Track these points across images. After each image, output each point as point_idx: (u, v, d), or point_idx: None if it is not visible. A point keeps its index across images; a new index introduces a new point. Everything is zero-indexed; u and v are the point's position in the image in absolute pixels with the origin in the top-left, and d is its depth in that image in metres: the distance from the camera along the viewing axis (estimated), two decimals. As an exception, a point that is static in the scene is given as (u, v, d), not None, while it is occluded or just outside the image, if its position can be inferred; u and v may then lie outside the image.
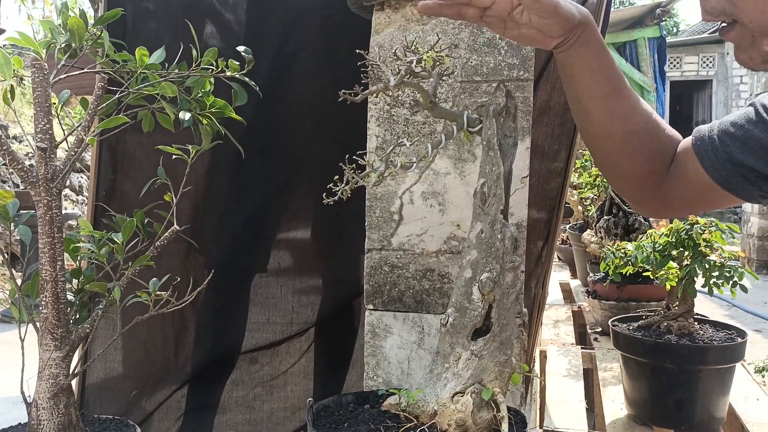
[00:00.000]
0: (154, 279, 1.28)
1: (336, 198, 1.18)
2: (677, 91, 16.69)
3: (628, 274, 1.96)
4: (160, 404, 2.05)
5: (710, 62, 15.94)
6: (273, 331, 2.09)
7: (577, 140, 1.98)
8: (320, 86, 1.97)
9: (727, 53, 15.11)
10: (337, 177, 1.18)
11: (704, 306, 4.85)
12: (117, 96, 1.35)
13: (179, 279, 1.34)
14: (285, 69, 1.96)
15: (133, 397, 2.04)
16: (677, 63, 16.19)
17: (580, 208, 3.72)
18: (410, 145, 1.30)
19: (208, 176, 1.99)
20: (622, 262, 1.87)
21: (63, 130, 1.33)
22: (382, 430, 1.08)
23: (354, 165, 1.18)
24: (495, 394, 1.07)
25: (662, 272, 1.71)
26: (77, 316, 1.33)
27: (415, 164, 1.16)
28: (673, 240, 1.63)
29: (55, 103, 1.33)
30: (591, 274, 2.82)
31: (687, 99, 17.92)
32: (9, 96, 1.31)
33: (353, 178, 1.17)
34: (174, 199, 1.37)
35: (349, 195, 1.17)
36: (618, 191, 1.12)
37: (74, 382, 1.30)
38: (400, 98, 1.56)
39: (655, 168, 1.00)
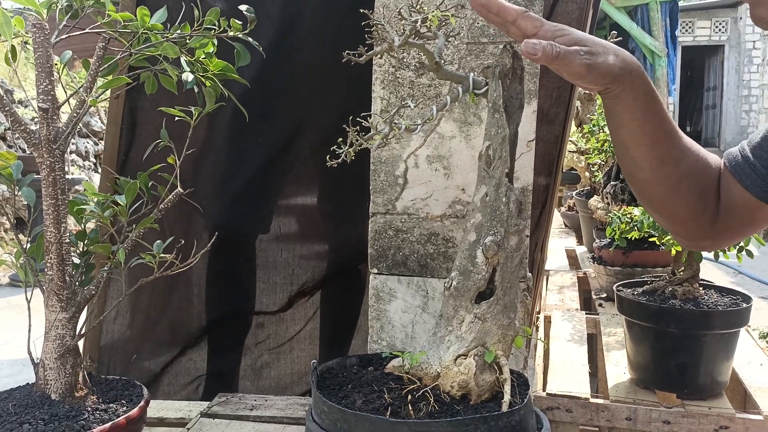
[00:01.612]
0: (158, 241, 1.28)
1: (340, 160, 1.17)
2: (689, 57, 16.45)
3: (633, 239, 1.95)
4: (166, 367, 2.07)
5: (723, 27, 15.68)
6: (275, 296, 2.10)
7: (573, 103, 1.96)
8: (321, 47, 1.95)
9: (740, 18, 14.84)
10: (340, 139, 1.17)
11: (710, 273, 4.84)
12: (118, 57, 1.34)
13: (183, 242, 1.34)
14: (287, 30, 1.94)
15: (134, 360, 2.06)
16: (689, 27, 15.94)
17: (587, 174, 3.69)
18: (415, 107, 1.29)
19: (210, 139, 1.98)
20: (628, 227, 1.86)
21: (65, 92, 1.33)
22: (385, 391, 1.09)
23: (358, 127, 1.17)
24: (498, 356, 1.08)
25: (668, 237, 1.70)
26: (83, 278, 1.34)
27: (419, 127, 1.15)
28: (680, 205, 1.61)
29: (57, 65, 1.32)
30: (597, 240, 2.82)
31: (699, 64, 17.67)
32: (10, 57, 1.30)
33: (357, 140, 1.16)
34: (177, 161, 1.37)
35: (353, 157, 1.17)
36: (674, 234, 1.08)
37: (81, 343, 1.31)
38: (405, 60, 1.54)
39: (708, 204, 0.97)
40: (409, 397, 1.04)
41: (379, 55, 1.18)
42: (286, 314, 2.11)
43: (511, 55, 1.12)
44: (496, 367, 1.03)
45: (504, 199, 1.09)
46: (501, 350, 1.03)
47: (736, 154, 0.96)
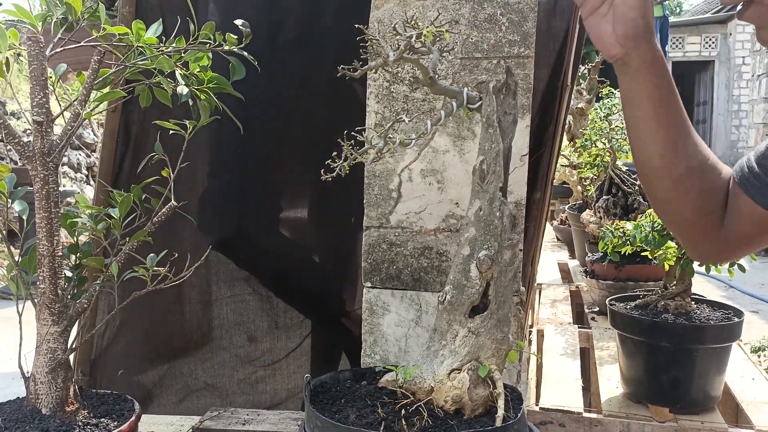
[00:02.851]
0: (152, 254, 1.28)
1: (334, 174, 1.18)
2: (679, 72, 16.58)
3: (626, 254, 1.95)
4: (158, 381, 2.06)
5: (713, 43, 15.82)
6: (266, 314, 2.09)
7: (561, 118, 1.97)
8: (310, 59, 1.95)
9: (730, 34, 14.99)
10: (335, 153, 1.18)
11: (702, 287, 4.86)
12: (114, 70, 1.34)
13: (176, 255, 1.34)
14: (270, 40, 1.94)
15: (121, 375, 2.05)
16: (679, 43, 16.07)
17: (579, 188, 3.71)
18: (409, 121, 1.29)
19: (206, 152, 1.98)
20: (620, 242, 1.87)
21: (60, 105, 1.32)
22: (378, 406, 1.09)
23: (353, 141, 1.17)
24: (491, 371, 1.08)
25: (660, 252, 1.71)
26: (75, 292, 1.33)
27: (413, 141, 1.16)
28: (672, 219, 1.61)
29: (51, 77, 1.32)
30: (589, 254, 2.82)
31: (689, 80, 17.81)
32: (4, 69, 1.29)
33: (351, 154, 1.17)
34: (171, 174, 1.37)
35: (347, 171, 1.17)
36: (676, 235, 1.07)
37: (72, 356, 1.30)
38: (399, 75, 1.55)
39: (712, 208, 0.97)
40: (403, 411, 1.04)
41: (373, 70, 1.19)
42: (279, 330, 2.10)
43: (505, 71, 1.13)
44: (489, 382, 1.03)
45: (498, 214, 1.09)
46: (495, 364, 1.03)
47: (743, 165, 0.96)
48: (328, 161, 1.16)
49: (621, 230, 1.91)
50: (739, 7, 0.81)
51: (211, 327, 2.08)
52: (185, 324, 2.05)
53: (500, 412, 1.01)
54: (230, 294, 2.05)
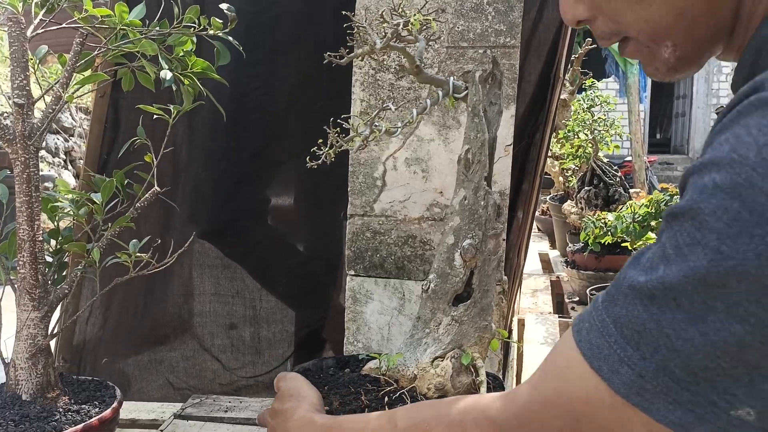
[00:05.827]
0: (134, 240, 1.26)
1: (320, 162, 1.17)
2: (660, 65, 16.65)
3: (606, 244, 1.97)
4: (139, 368, 2.05)
5: (693, 37, 15.92)
6: (249, 322, 2.09)
7: (553, 109, 1.98)
8: (301, 50, 1.94)
9: (711, 28, 15.11)
10: (321, 141, 1.17)
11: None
12: (96, 53, 1.32)
13: (159, 241, 1.33)
14: (266, 32, 1.93)
15: (105, 363, 2.04)
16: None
17: (561, 179, 3.74)
18: (395, 109, 1.29)
19: (187, 139, 1.97)
20: (601, 232, 1.89)
21: (40, 87, 1.30)
22: (362, 392, 1.09)
23: (338, 129, 1.17)
24: (474, 359, 1.08)
25: (641, 243, 1.73)
26: (55, 277, 1.31)
27: (399, 129, 1.16)
28: (653, 210, 1.64)
29: (32, 59, 1.30)
30: (570, 245, 2.85)
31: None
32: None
33: (337, 141, 1.16)
34: (154, 160, 1.36)
35: (333, 159, 1.17)
36: None
37: (53, 343, 1.29)
38: (385, 63, 1.54)
39: None
40: (386, 399, 1.04)
41: (359, 58, 1.19)
42: (260, 315, 2.10)
43: (491, 60, 1.13)
44: (472, 370, 1.04)
45: (482, 203, 1.10)
46: (477, 353, 1.04)
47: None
48: (314, 149, 1.16)
49: (602, 221, 1.92)
50: (620, 44, 0.77)
51: (192, 324, 2.07)
52: (167, 317, 2.04)
53: None
54: (214, 292, 2.04)
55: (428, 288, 1.11)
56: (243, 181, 2.05)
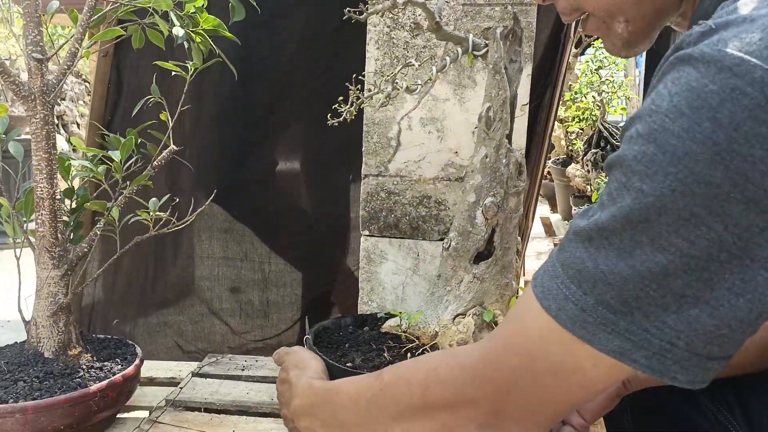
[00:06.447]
0: (154, 199, 1.26)
1: (340, 119, 1.17)
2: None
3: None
4: (149, 337, 2.06)
5: None
6: (257, 286, 2.09)
7: (563, 69, 1.96)
8: (305, 11, 1.92)
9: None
10: (341, 98, 1.16)
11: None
12: (108, 9, 1.30)
13: (177, 200, 1.32)
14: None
15: (115, 325, 2.05)
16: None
17: (563, 143, 3.73)
18: (419, 66, 1.27)
19: (194, 101, 1.95)
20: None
21: (52, 44, 1.28)
22: (384, 349, 1.10)
23: (358, 87, 1.16)
24: (496, 316, 1.09)
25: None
26: (72, 236, 1.31)
27: (419, 87, 1.15)
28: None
29: (43, 16, 1.28)
30: (575, 208, 2.85)
31: (664, 39, 17.81)
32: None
33: (358, 98, 1.15)
34: (170, 119, 1.34)
35: (353, 116, 1.16)
36: None
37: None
38: (400, 21, 1.52)
39: None
40: (408, 355, 1.05)
41: (379, 14, 1.17)
42: (269, 278, 2.10)
43: (512, 17, 1.11)
44: (494, 326, 1.05)
45: (504, 161, 1.09)
46: (498, 310, 1.05)
47: None
48: (335, 105, 1.15)
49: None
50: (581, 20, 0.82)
51: (201, 287, 2.07)
52: (176, 280, 2.04)
53: None
54: (222, 255, 2.04)
55: (449, 246, 1.11)
56: (250, 144, 2.04)
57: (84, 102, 7.55)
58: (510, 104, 1.15)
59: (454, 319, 1.10)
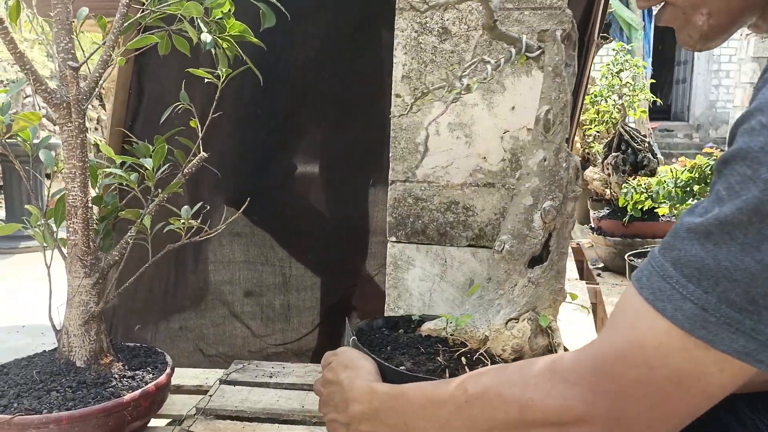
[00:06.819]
0: (186, 207, 1.25)
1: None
2: (662, 31, 16.54)
3: (643, 209, 1.96)
4: (171, 343, 2.06)
5: (697, 2, 15.74)
6: (279, 290, 2.09)
7: (587, 73, 1.95)
8: (324, 17, 1.91)
9: (715, -7, 14.93)
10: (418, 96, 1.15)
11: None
12: (138, 15, 1.29)
13: (208, 207, 1.31)
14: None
15: (137, 330, 2.04)
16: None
17: (578, 145, 3.71)
18: (495, 64, 1.25)
19: (226, 107, 1.95)
20: (643, 197, 1.87)
21: (83, 51, 1.27)
22: (436, 353, 1.07)
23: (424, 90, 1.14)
24: (550, 321, 1.07)
25: (682, 207, 1.72)
26: (101, 244, 1.30)
27: (475, 87, 1.13)
28: (696, 176, 1.63)
29: (74, 23, 1.27)
30: (594, 212, 2.84)
31: (670, 39, 17.79)
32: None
33: (429, 93, 1.13)
34: (199, 127, 1.33)
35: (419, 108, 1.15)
36: None
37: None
38: (428, 26, 1.51)
39: None
40: (463, 359, 1.02)
41: (442, 8, 1.14)
42: (290, 283, 2.09)
43: (570, 20, 1.10)
44: (548, 332, 1.03)
45: (564, 164, 1.07)
46: (551, 315, 1.04)
47: None
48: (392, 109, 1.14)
49: (643, 186, 1.91)
50: (655, 11, 0.80)
51: (222, 291, 2.06)
52: (198, 284, 2.04)
53: None
54: (243, 259, 2.03)
55: (502, 249, 1.07)
56: (269, 149, 2.03)
57: (93, 107, 7.55)
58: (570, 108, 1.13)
59: (506, 323, 1.07)
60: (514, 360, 1.02)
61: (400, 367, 0.98)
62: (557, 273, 1.04)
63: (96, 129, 7.10)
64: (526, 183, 1.04)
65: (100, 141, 1.44)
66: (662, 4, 0.77)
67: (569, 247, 1.09)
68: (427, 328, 1.15)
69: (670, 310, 0.54)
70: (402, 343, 1.12)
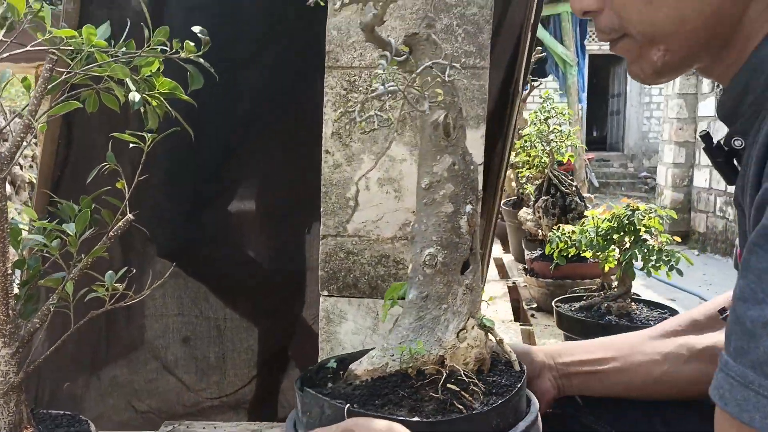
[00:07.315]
0: (110, 272, 1.23)
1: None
2: (595, 65, 17.21)
3: (569, 255, 2.04)
4: (101, 399, 2.00)
5: (627, 38, 16.44)
6: (209, 323, 2.05)
7: (512, 123, 2.01)
8: (261, 68, 1.93)
9: (643, 30, 15.64)
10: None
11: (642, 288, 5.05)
12: (63, 77, 1.28)
13: (134, 271, 1.29)
14: (225, 49, 1.91)
15: (66, 388, 1.98)
16: (596, 37, 16.60)
17: (513, 185, 3.81)
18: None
19: (156, 160, 1.93)
20: (566, 245, 1.94)
21: (4, 114, 1.25)
22: (419, 388, 1.00)
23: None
24: (490, 320, 1.09)
25: (603, 255, 1.79)
26: (23, 310, 1.27)
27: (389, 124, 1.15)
28: (615, 225, 1.70)
29: (-6, 84, 1.25)
30: (528, 252, 2.91)
31: (604, 73, 18.51)
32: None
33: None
34: (126, 187, 1.32)
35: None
36: None
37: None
38: (357, 84, 1.55)
39: None
40: (450, 386, 0.98)
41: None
42: (225, 335, 2.07)
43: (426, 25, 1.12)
44: (490, 330, 1.06)
45: (472, 167, 1.09)
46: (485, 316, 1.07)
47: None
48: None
49: (566, 235, 1.98)
50: (612, 39, 0.81)
51: (155, 346, 2.02)
52: (129, 339, 1.99)
53: (513, 356, 1.05)
54: (177, 312, 2.00)
55: (435, 263, 1.05)
56: (203, 199, 2.02)
57: (28, 142, 7.32)
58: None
59: (458, 335, 1.05)
60: (478, 370, 1.02)
61: (414, 418, 0.91)
62: (480, 273, 1.07)
63: (31, 167, 6.89)
64: (441, 190, 1.05)
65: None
66: (620, 35, 0.78)
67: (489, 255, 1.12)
68: (364, 370, 1.06)
69: (759, 420, 0.50)
70: (358, 394, 1.01)
